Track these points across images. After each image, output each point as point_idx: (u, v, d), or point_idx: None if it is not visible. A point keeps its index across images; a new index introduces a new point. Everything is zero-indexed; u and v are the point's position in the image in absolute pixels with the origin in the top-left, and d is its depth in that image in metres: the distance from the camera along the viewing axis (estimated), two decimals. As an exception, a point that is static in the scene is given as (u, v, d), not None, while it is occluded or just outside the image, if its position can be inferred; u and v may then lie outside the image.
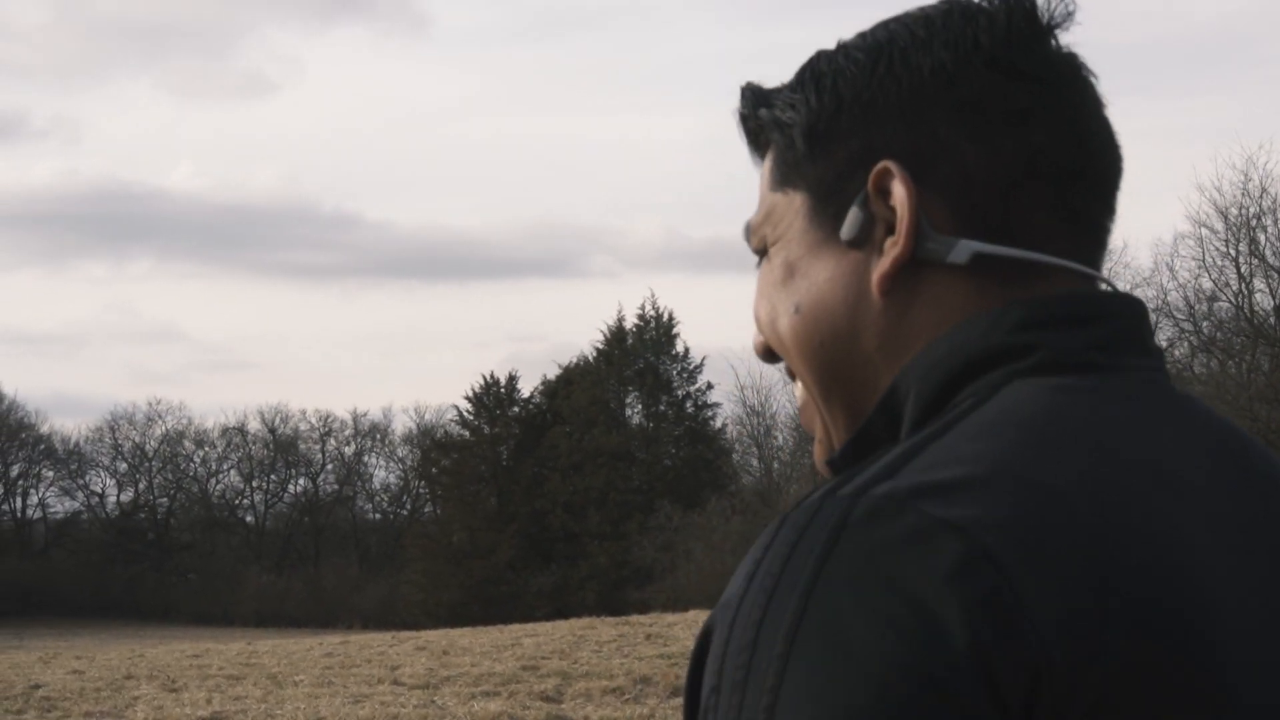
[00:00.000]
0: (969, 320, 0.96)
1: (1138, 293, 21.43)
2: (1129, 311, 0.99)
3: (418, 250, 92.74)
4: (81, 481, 66.92)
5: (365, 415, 66.99)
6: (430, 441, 55.06)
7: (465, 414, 50.54)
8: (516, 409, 50.22)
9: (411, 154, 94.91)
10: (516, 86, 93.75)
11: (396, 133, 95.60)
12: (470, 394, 50.37)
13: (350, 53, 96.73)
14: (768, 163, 1.06)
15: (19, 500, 67.64)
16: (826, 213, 1.01)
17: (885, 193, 0.98)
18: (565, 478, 45.69)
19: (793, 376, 1.07)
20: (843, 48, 1.03)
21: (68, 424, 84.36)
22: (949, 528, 0.81)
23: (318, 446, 66.94)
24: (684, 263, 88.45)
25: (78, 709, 14.65)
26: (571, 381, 47.99)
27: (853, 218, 0.99)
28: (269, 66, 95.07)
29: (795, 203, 1.03)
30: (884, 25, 1.03)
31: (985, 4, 1.00)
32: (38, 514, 67.60)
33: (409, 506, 66.71)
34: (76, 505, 67.48)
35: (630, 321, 47.15)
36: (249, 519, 67.85)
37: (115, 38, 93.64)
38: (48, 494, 67.11)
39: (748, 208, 1.10)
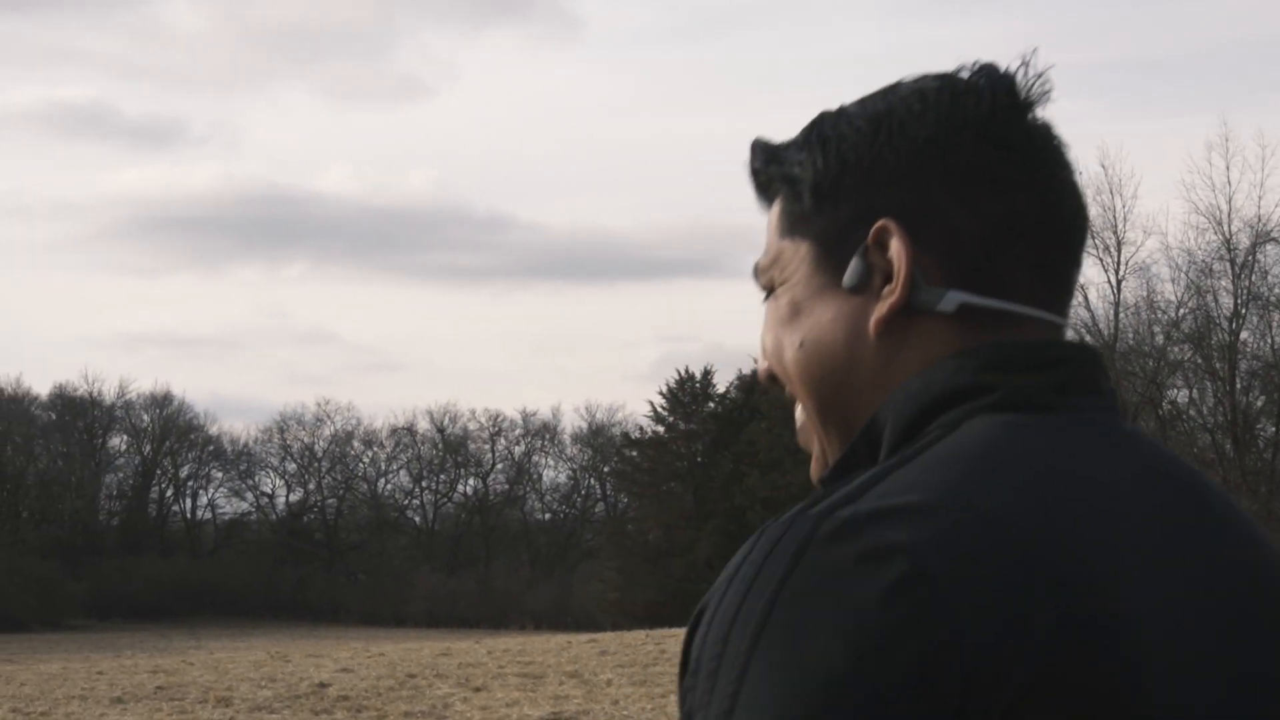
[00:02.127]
0: (942, 361, 1.07)
1: None
2: (1083, 358, 1.09)
3: (569, 251, 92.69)
4: (251, 482, 66.90)
5: (535, 415, 66.27)
6: (624, 438, 54.16)
7: (660, 409, 49.75)
8: (712, 404, 49.38)
9: (564, 156, 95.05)
10: (670, 87, 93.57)
11: (549, 134, 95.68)
12: (664, 390, 49.67)
13: (504, 55, 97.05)
14: (775, 211, 1.17)
15: (189, 501, 68.02)
16: (830, 261, 1.11)
17: (883, 247, 1.08)
18: (764, 474, 44.44)
19: (794, 401, 1.18)
20: (845, 114, 1.14)
21: (236, 425, 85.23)
22: (896, 549, 0.92)
23: (487, 446, 66.26)
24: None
25: (393, 709, 13.60)
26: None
27: (854, 268, 1.09)
28: (424, 70, 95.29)
29: (801, 251, 1.13)
30: (883, 96, 1.14)
31: (973, 80, 1.11)
32: (207, 515, 67.72)
33: (579, 506, 65.81)
34: (245, 506, 67.44)
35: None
36: (416, 519, 67.30)
37: (273, 44, 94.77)
38: (217, 495, 67.24)
39: None
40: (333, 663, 19.54)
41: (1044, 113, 1.12)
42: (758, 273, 1.19)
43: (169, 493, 68.00)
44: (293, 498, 67.35)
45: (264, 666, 19.62)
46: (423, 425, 66.95)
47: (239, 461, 66.91)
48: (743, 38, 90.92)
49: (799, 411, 1.18)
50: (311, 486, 67.03)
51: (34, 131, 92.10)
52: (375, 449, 67.12)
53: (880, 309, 1.08)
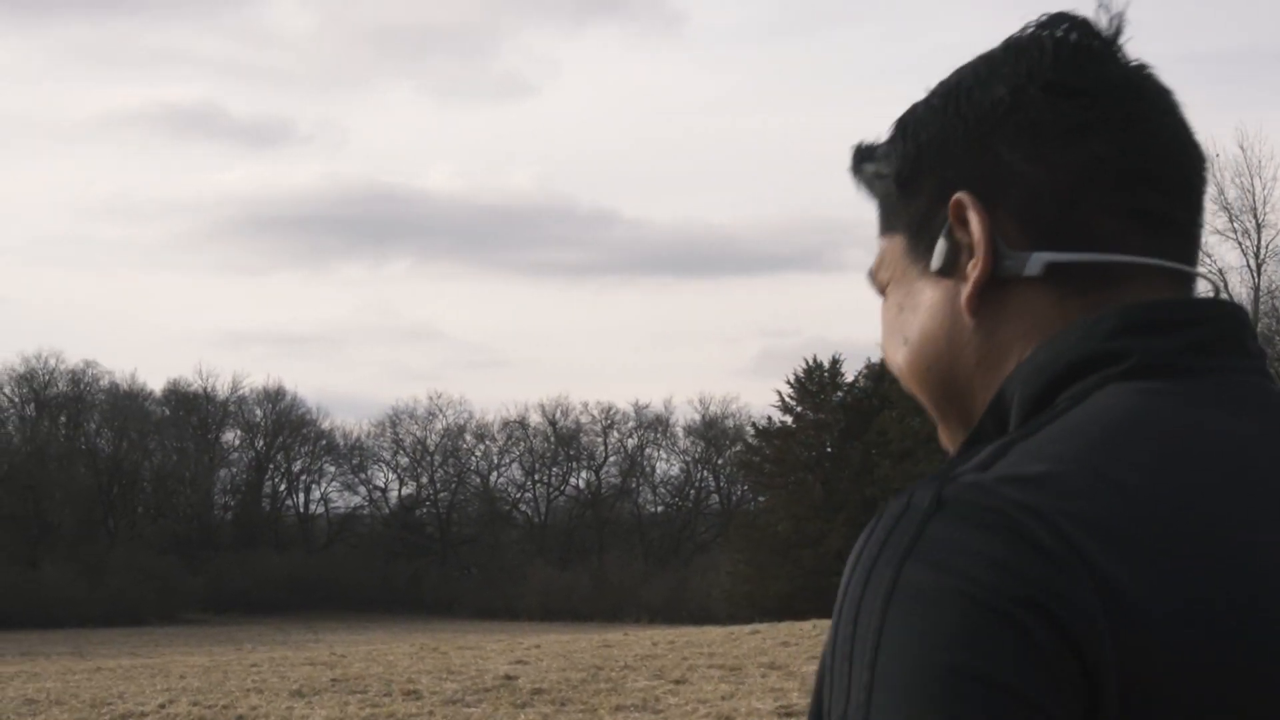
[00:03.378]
0: (1069, 328, 1.02)
1: None
2: (1224, 315, 1.03)
3: (673, 247, 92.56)
4: (363, 476, 66.91)
5: (647, 407, 65.75)
6: (752, 428, 53.53)
7: (787, 399, 49.11)
8: (840, 394, 48.66)
9: (667, 151, 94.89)
10: (771, 82, 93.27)
11: (652, 130, 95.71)
12: (791, 379, 49.05)
13: (605, 52, 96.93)
14: (877, 211, 1.15)
15: (301, 495, 68.13)
16: (920, 249, 1.09)
17: (964, 221, 1.05)
18: (897, 463, 43.85)
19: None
20: (926, 95, 1.12)
21: (348, 420, 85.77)
22: (1028, 510, 0.88)
23: (600, 439, 65.82)
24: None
25: (602, 703, 12.99)
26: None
27: (940, 249, 1.06)
28: (527, 67, 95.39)
29: (897, 244, 1.11)
30: (956, 70, 1.11)
31: (1037, 32, 1.08)
32: (319, 509, 67.83)
33: (692, 499, 65.25)
34: (358, 500, 67.48)
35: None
36: (526, 511, 67.03)
37: (377, 43, 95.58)
38: (329, 489, 67.30)
39: None
40: (499, 655, 19.02)
41: (1133, 53, 1.07)
42: (870, 278, 1.16)
43: (282, 487, 68.29)
44: (405, 491, 67.35)
45: (425, 658, 19.16)
46: (534, 418, 66.79)
47: (351, 455, 66.97)
48: (844, 32, 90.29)
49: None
50: (424, 480, 67.01)
51: (143, 132, 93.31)
52: (487, 442, 67.04)
53: (967, 286, 1.04)
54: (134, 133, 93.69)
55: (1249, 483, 0.93)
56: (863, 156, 1.15)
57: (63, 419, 64.39)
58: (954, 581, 0.86)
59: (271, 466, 67.48)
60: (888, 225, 1.12)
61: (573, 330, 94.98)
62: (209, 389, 66.71)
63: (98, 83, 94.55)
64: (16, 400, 64.15)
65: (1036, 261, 1.02)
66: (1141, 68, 1.07)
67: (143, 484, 64.84)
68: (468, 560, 64.81)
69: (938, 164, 1.07)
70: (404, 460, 66.93)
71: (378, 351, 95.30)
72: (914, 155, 1.09)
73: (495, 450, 67.05)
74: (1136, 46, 1.06)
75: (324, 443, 67.18)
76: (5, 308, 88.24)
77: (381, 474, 67.69)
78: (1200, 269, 1.07)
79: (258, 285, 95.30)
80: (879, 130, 1.14)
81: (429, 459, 66.55)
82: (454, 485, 66.92)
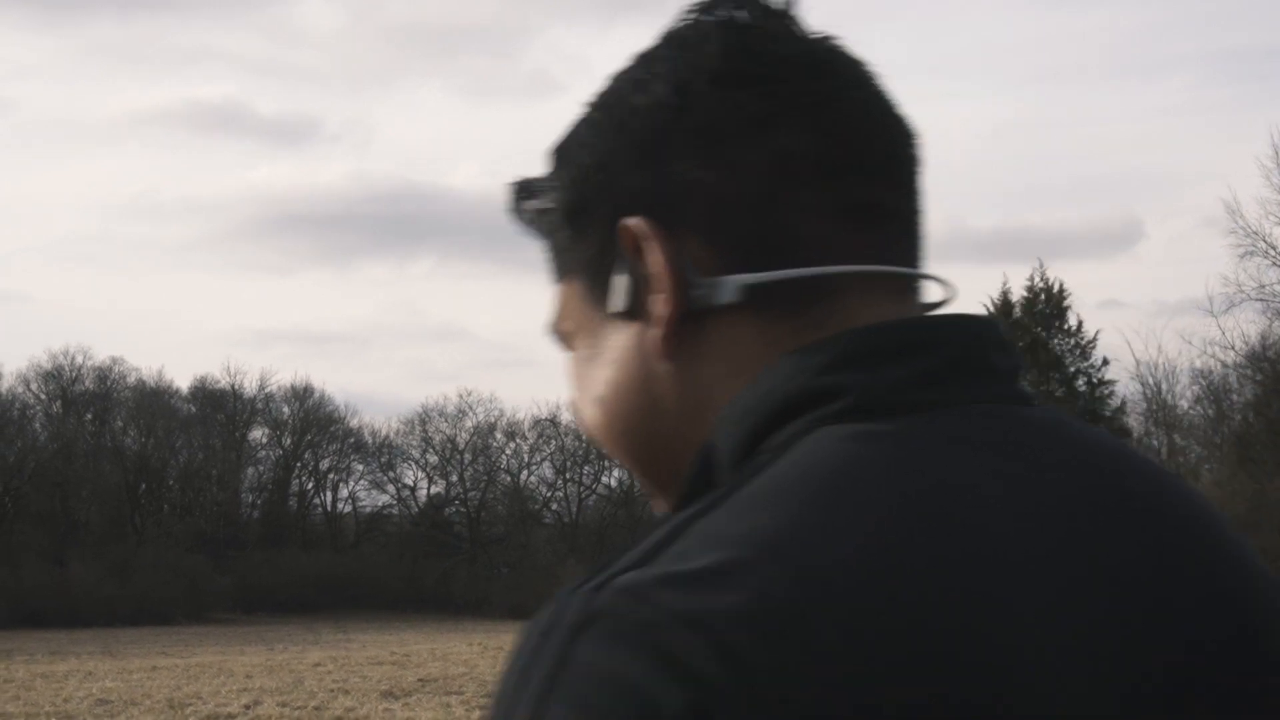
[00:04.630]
0: (780, 362, 0.86)
1: None
2: (962, 332, 0.88)
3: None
4: (392, 474, 66.36)
5: (678, 405, 65.17)
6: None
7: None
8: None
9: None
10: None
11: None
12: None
13: (634, 51, 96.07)
14: (547, 255, 1.01)
15: (329, 494, 67.54)
16: (600, 290, 0.94)
17: (641, 251, 0.90)
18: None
19: None
20: (583, 110, 0.97)
21: (377, 419, 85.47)
22: (687, 623, 0.71)
23: (632, 437, 65.24)
24: (966, 253, 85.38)
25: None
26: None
27: (619, 287, 0.92)
28: (555, 66, 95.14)
29: (575, 290, 0.97)
30: (613, 74, 0.96)
31: (703, 18, 0.93)
32: (347, 507, 67.30)
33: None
34: (386, 498, 67.01)
35: (1017, 295, 43.93)
36: (557, 510, 66.48)
37: (406, 41, 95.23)
38: (357, 488, 66.79)
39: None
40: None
41: (816, 28, 0.93)
42: (551, 331, 1.00)
43: (309, 485, 67.71)
44: (434, 490, 66.81)
45: (487, 655, 18.52)
46: (566, 417, 66.03)
47: (380, 454, 66.40)
48: (871, 30, 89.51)
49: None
50: (453, 479, 66.42)
51: (170, 130, 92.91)
52: (518, 441, 66.42)
53: (655, 326, 0.89)
54: (161, 131, 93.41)
55: (990, 547, 0.76)
56: (522, 193, 1.00)
57: (89, 416, 63.86)
58: None
59: (299, 465, 66.93)
60: (562, 268, 0.97)
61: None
62: (236, 386, 66.25)
63: (125, 81, 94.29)
64: (43, 397, 63.71)
65: (730, 286, 0.87)
66: (826, 40, 0.92)
67: (169, 482, 64.33)
68: (498, 559, 64.19)
69: (606, 189, 0.92)
70: (433, 458, 66.36)
71: (403, 351, 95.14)
72: (578, 183, 0.94)
73: (526, 449, 66.47)
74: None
75: (352, 441, 66.68)
76: (32, 306, 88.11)
77: (410, 472, 67.15)
78: (930, 271, 0.93)
79: (283, 284, 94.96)
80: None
81: (459, 457, 65.99)
82: (484, 484, 66.34)
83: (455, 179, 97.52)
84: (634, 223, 0.89)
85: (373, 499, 67.45)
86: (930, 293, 0.94)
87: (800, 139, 0.88)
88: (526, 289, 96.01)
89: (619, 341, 0.92)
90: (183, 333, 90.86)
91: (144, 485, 63.14)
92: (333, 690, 15.17)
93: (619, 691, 0.70)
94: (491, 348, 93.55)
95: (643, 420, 0.92)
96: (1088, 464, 0.84)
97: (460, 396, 76.98)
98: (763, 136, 0.88)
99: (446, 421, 66.16)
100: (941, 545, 0.75)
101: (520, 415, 76.88)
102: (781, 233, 0.87)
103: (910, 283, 0.91)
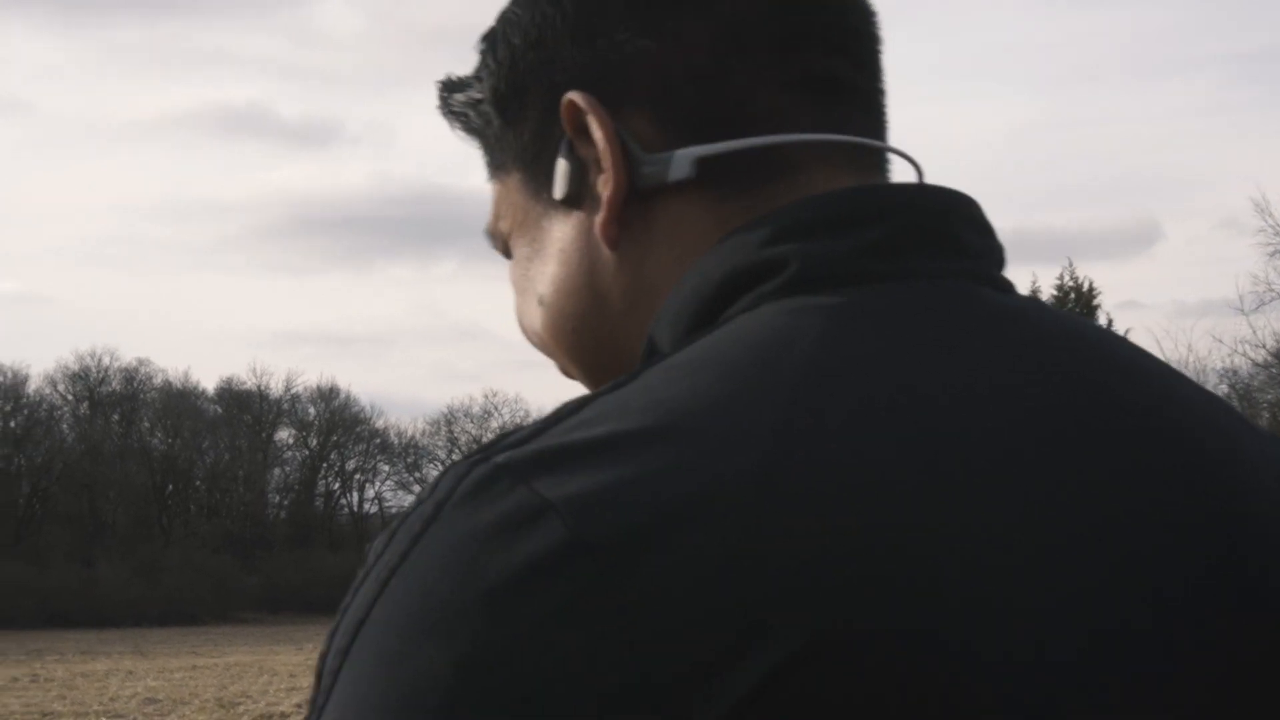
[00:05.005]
0: (722, 241, 0.79)
1: None
2: (923, 203, 0.79)
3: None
4: (418, 475, 66.34)
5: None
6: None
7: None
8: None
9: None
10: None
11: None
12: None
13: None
14: (480, 152, 0.94)
15: (355, 495, 67.59)
16: (539, 179, 0.87)
17: (584, 130, 0.83)
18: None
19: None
20: None
21: (403, 419, 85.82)
22: (553, 510, 0.62)
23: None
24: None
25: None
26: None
27: (561, 171, 0.84)
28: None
29: (511, 184, 0.90)
30: None
31: None
32: (373, 508, 67.38)
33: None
34: (412, 499, 67.04)
35: (1047, 294, 43.77)
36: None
37: (425, 43, 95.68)
38: (384, 488, 66.85)
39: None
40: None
41: None
42: (489, 237, 0.94)
43: (335, 486, 67.78)
44: (459, 490, 66.87)
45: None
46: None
47: (406, 454, 66.47)
48: (899, 31, 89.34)
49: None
50: (479, 479, 66.44)
51: (194, 132, 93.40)
52: (542, 441, 66.45)
53: (600, 210, 0.82)
54: (184, 134, 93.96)
55: (935, 447, 0.66)
56: (451, 88, 0.93)
57: (116, 417, 64.04)
58: (431, 628, 0.62)
59: (325, 465, 67.03)
60: (496, 163, 0.91)
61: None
62: (262, 387, 66.40)
63: (149, 84, 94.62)
64: (70, 398, 63.90)
65: (682, 161, 0.80)
66: None
67: (196, 482, 64.49)
68: (523, 560, 64.32)
69: (541, 68, 0.85)
70: (458, 459, 66.46)
71: (426, 351, 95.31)
72: (510, 65, 0.87)
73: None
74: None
75: (378, 442, 66.76)
76: (58, 307, 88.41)
77: (436, 473, 67.12)
78: (895, 145, 0.86)
79: (306, 285, 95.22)
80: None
81: (484, 458, 66.09)
82: (509, 484, 66.45)
83: (477, 180, 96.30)
84: (575, 96, 0.82)
85: (399, 499, 67.50)
86: (897, 173, 0.87)
87: (752, 6, 0.82)
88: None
89: (561, 233, 0.86)
90: (207, 333, 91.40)
91: (171, 486, 63.31)
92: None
93: (461, 575, 0.62)
94: (513, 348, 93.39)
95: (590, 317, 0.85)
96: (1068, 360, 0.73)
97: (485, 397, 77.16)
98: (710, 3, 0.82)
99: (472, 422, 66.29)
100: (873, 436, 0.65)
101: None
102: (734, 106, 0.81)
103: (875, 159, 0.84)
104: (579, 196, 0.84)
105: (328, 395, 66.39)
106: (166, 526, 61.44)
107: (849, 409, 0.66)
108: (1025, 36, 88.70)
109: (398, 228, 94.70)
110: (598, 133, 0.81)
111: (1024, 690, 0.62)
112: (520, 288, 0.91)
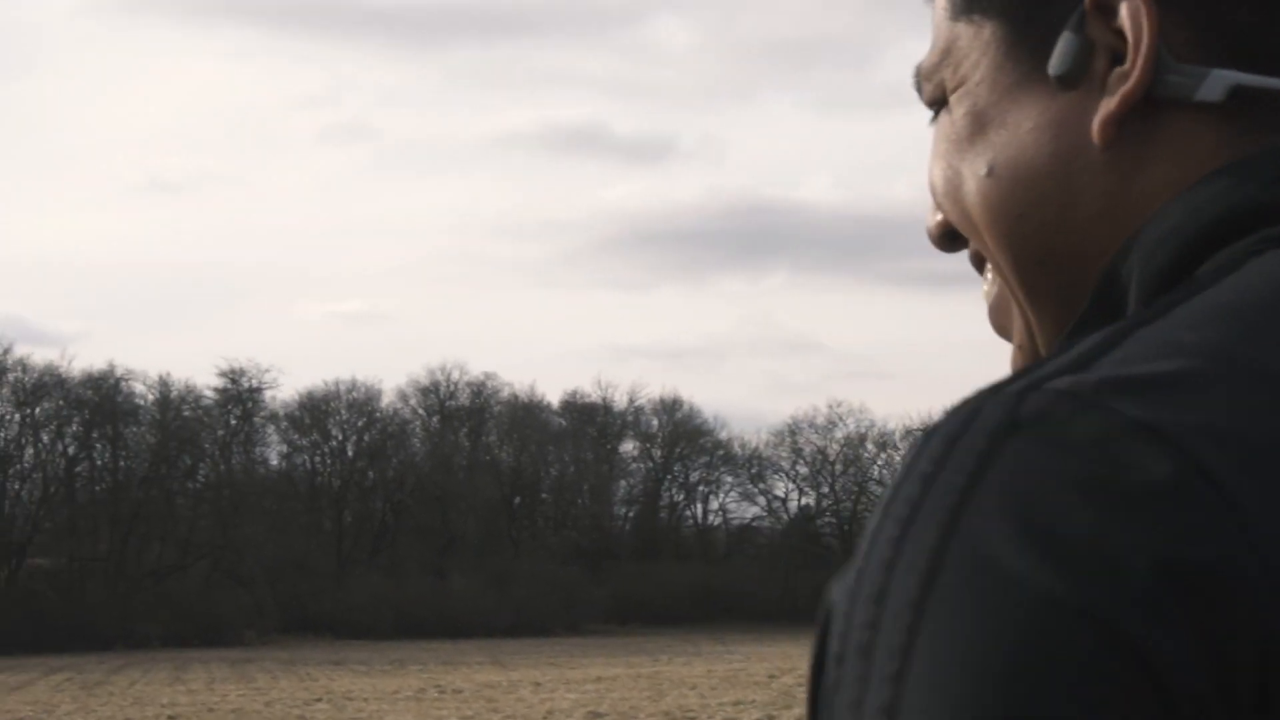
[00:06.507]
0: (1214, 174, 0.71)
1: None
2: None
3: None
4: (762, 486, 65.67)
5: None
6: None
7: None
8: None
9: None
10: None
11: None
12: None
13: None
14: None
15: (699, 506, 67.24)
16: (1027, 43, 0.77)
17: (1108, 12, 0.74)
18: None
19: (982, 265, 0.86)
20: None
21: (746, 431, 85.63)
22: (1151, 434, 0.57)
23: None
24: None
25: None
26: None
27: (1065, 46, 0.75)
28: (908, 78, 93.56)
29: (984, 34, 0.80)
30: None
31: None
32: (717, 519, 66.97)
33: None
34: (756, 510, 66.44)
35: None
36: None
37: (760, 56, 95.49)
38: (727, 499, 66.40)
39: None
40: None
41: None
42: (921, 78, 0.84)
43: (679, 497, 67.55)
44: (804, 501, 65.91)
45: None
46: (939, 426, 64.32)
47: (749, 465, 65.81)
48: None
49: (989, 280, 0.84)
50: (824, 490, 65.34)
51: (531, 152, 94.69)
52: (889, 451, 64.83)
53: (1110, 103, 0.73)
54: (522, 153, 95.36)
55: None
56: None
57: (464, 431, 65.04)
58: (1033, 558, 0.56)
59: (669, 477, 66.88)
60: (969, 5, 0.79)
61: (959, 341, 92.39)
62: (607, 400, 66.63)
63: (487, 105, 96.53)
64: (421, 412, 65.18)
65: (1217, 83, 0.71)
66: None
67: (542, 495, 65.09)
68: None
69: None
70: (803, 470, 65.43)
71: (757, 363, 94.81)
72: None
73: (898, 459, 64.86)
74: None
75: (721, 453, 66.28)
76: (402, 324, 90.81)
77: (781, 484, 66.36)
78: None
79: (642, 299, 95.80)
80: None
81: (829, 468, 64.90)
82: (855, 495, 65.04)
83: (808, 192, 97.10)
84: None
85: (742, 511, 66.95)
86: None
87: None
88: (879, 301, 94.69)
89: (1039, 110, 0.76)
90: (548, 348, 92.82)
91: (519, 499, 63.94)
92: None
93: (1067, 512, 0.56)
94: (846, 359, 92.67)
95: (1046, 209, 0.76)
96: None
97: (830, 407, 75.86)
98: None
99: (816, 433, 65.26)
100: None
101: (891, 426, 75.35)
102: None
103: None
104: (1074, 78, 0.74)
105: (670, 407, 66.32)
106: (516, 538, 62.05)
107: None
108: None
109: (729, 240, 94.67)
110: (1135, 22, 0.72)
111: None
112: (954, 149, 0.81)
